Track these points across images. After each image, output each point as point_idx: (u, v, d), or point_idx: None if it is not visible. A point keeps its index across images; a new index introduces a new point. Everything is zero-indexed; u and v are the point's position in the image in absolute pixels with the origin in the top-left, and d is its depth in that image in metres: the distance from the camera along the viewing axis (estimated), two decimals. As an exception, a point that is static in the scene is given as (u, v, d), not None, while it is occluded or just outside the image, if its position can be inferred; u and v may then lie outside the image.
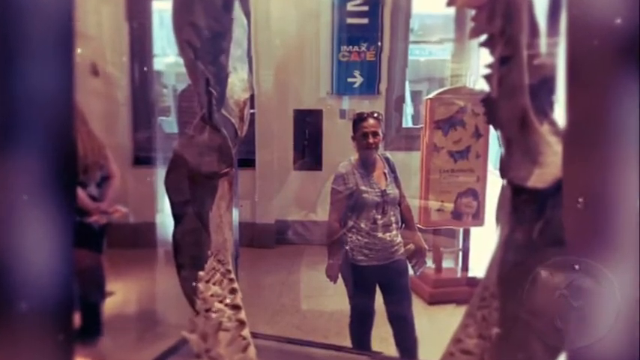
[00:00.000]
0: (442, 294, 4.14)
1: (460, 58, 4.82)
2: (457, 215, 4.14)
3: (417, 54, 7.08)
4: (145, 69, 5.49)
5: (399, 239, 2.78)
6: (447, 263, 4.52)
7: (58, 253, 0.79)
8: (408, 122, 6.08)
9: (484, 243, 3.53)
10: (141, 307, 3.90)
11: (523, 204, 1.06)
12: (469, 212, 4.16)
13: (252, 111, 2.93)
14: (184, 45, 1.35)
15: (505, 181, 1.13)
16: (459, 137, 4.07)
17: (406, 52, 5.66)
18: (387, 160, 2.85)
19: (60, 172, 0.75)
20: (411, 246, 2.82)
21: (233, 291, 1.53)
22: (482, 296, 1.11)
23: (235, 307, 1.48)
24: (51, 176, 0.75)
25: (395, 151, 4.93)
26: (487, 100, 1.23)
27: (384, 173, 2.78)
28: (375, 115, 2.78)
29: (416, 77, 7.19)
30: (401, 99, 5.71)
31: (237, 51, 1.53)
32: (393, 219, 2.76)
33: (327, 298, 3.93)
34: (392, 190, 2.76)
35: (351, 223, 2.75)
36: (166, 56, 5.79)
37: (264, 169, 5.63)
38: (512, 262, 1.06)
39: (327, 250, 2.81)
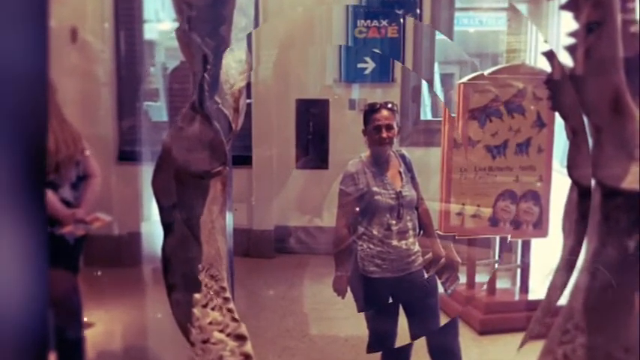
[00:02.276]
0: (496, 321, 3.93)
1: (518, 29, 4.65)
2: (495, 222, 3.98)
3: (465, 24, 6.71)
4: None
5: (416, 248, 2.76)
6: (501, 283, 4.37)
7: (25, 277, 0.67)
8: (426, 114, 5.96)
9: (546, 258, 3.38)
10: (127, 342, 3.71)
11: (616, 210, 0.96)
12: (529, 220, 4.01)
13: (248, 101, 2.78)
14: (184, 8, 1.22)
15: (594, 182, 1.02)
16: (518, 127, 3.90)
17: (451, 21, 5.44)
18: (403, 157, 2.83)
19: (25, 171, 0.63)
20: (430, 256, 2.80)
21: (231, 312, 1.42)
22: (565, 328, 1.01)
23: (239, 338, 1.38)
24: (14, 176, 0.62)
25: (412, 147, 4.82)
26: (552, 82, 1.12)
27: (400, 172, 2.76)
28: (390, 105, 2.76)
29: (464, 53, 6.78)
30: (418, 88, 5.59)
31: (241, 20, 1.41)
32: (409, 225, 2.73)
33: (337, 320, 3.81)
34: (408, 192, 2.74)
35: (361, 230, 2.72)
36: (160, 22, 5.46)
37: (262, 168, 5.55)
38: (602, 284, 0.95)
39: (335, 261, 2.80)
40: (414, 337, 2.72)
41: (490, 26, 6.79)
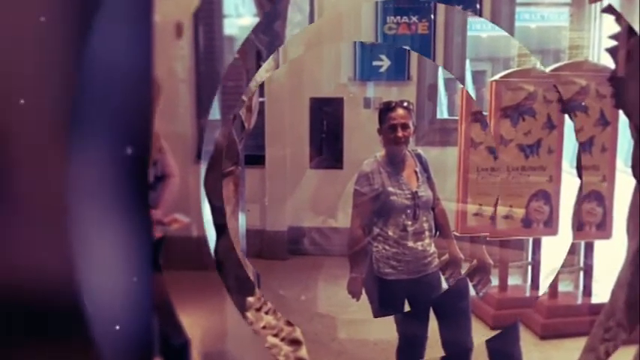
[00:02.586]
0: (558, 325, 3.89)
1: (581, 25, 4.60)
2: (528, 222, 3.94)
3: (527, 19, 6.62)
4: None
5: (432, 249, 2.78)
6: (563, 286, 4.27)
7: (130, 281, 0.65)
8: (443, 113, 5.94)
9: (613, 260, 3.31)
10: (207, 346, 3.57)
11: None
12: (592, 221, 3.96)
13: (261, 99, 2.75)
14: (264, 2, 1.21)
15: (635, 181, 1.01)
16: (580, 125, 3.81)
17: (512, 17, 5.38)
18: (419, 156, 2.85)
19: (130, 171, 0.61)
20: (447, 257, 2.82)
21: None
22: (607, 326, 1.00)
23: (294, 342, 1.36)
24: (118, 176, 0.61)
25: (428, 146, 4.81)
26: (616, 79, 1.10)
27: (415, 172, 2.78)
28: (405, 104, 2.78)
29: (524, 48, 6.73)
30: (434, 86, 5.57)
31: (295, 15, 1.40)
32: (425, 225, 2.75)
33: (364, 323, 3.77)
34: (424, 192, 2.76)
35: (376, 231, 2.74)
36: (240, 17, 5.34)
37: (275, 168, 5.52)
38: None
39: (349, 262, 2.81)
40: (445, 340, 2.71)
41: (552, 22, 6.73)
